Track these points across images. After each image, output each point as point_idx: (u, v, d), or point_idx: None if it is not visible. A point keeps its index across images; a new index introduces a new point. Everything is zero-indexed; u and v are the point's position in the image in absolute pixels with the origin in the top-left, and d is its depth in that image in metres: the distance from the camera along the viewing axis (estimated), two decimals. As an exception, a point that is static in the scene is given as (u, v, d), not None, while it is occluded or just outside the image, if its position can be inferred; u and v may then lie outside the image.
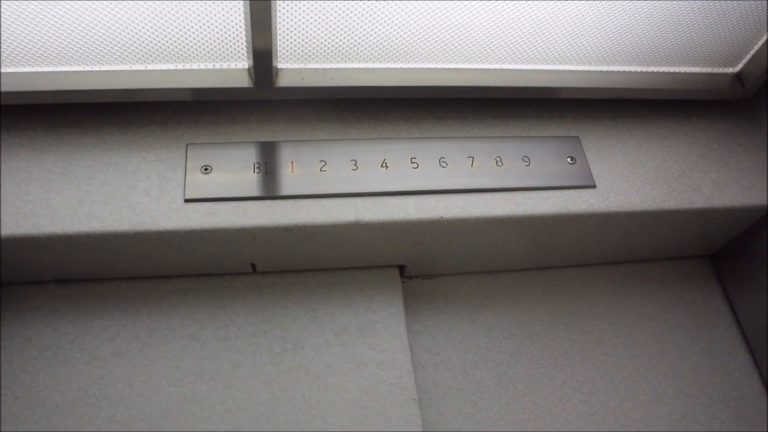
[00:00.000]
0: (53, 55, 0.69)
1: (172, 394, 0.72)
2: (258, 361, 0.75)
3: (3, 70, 0.69)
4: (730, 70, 0.87)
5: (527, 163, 0.79)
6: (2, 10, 0.63)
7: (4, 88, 0.69)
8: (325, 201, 0.72)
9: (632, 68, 0.84)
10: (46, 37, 0.67)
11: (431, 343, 0.83)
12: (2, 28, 0.65)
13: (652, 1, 0.74)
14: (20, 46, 0.67)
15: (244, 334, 0.76)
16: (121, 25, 0.67)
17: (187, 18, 0.67)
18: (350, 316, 0.79)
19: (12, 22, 0.65)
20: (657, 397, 0.84)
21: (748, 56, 0.85)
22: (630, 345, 0.87)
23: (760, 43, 0.82)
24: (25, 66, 0.70)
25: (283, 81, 0.73)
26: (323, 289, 0.81)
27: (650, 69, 0.84)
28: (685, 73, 0.86)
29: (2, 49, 0.67)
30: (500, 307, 0.87)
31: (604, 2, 0.74)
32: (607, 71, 0.83)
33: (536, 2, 0.72)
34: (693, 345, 0.89)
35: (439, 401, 0.79)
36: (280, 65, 0.73)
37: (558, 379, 0.83)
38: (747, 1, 0.76)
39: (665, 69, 0.85)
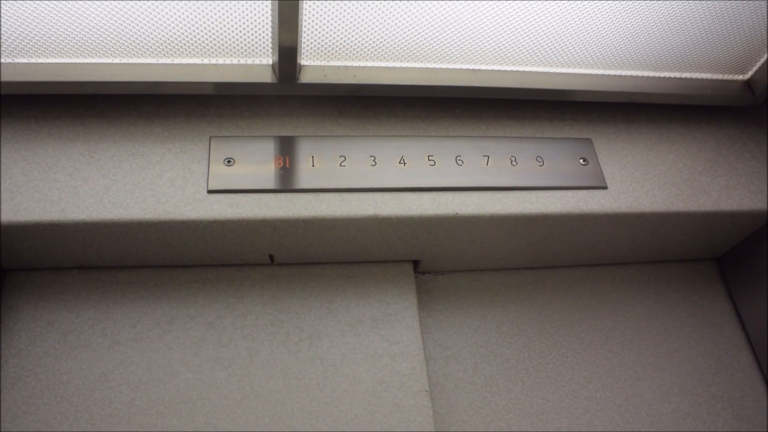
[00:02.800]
0: (82, 46, 0.71)
1: (190, 380, 0.73)
2: (275, 349, 0.76)
3: (33, 61, 0.71)
4: (740, 77, 0.89)
5: (541, 163, 0.81)
6: (33, 2, 0.65)
7: (33, 78, 0.71)
8: (344, 195, 0.74)
9: (644, 73, 0.86)
10: (76, 30, 0.69)
11: (443, 337, 0.85)
12: (34, 20, 0.67)
13: (666, 6, 0.76)
14: (51, 38, 0.69)
15: (261, 323, 0.78)
16: (149, 19, 0.69)
17: (213, 14, 0.69)
18: (365, 309, 0.81)
19: (44, 14, 0.66)
20: (661, 396, 0.86)
21: (758, 64, 0.86)
22: (636, 344, 0.89)
23: (770, 51, 0.84)
24: (54, 57, 0.72)
25: (306, 77, 0.75)
26: (339, 281, 0.83)
27: (662, 74, 0.86)
28: (696, 79, 0.88)
29: (33, 41, 0.69)
30: (510, 304, 0.89)
31: (617, 7, 0.75)
32: (619, 75, 0.85)
33: (552, 7, 0.74)
34: (698, 345, 0.91)
35: (449, 393, 0.81)
36: (303, 62, 0.75)
37: (565, 375, 0.85)
38: (757, 11, 0.78)
39: (677, 75, 0.87)
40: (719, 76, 0.88)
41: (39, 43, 0.70)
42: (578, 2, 0.74)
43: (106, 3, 0.66)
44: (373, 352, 0.78)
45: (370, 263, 0.84)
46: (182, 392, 0.73)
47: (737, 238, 0.92)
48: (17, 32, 0.68)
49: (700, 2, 0.76)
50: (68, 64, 0.72)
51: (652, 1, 0.75)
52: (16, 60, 0.71)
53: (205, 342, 0.76)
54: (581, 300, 0.91)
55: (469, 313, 0.87)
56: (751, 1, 0.77)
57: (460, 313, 0.87)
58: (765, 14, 0.79)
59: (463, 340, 0.85)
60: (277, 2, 0.65)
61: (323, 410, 0.73)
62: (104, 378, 0.72)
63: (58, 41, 0.70)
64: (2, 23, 0.66)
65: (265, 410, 0.73)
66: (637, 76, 0.86)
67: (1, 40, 0.68)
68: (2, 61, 0.70)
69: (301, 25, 0.70)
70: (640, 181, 0.82)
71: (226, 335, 0.77)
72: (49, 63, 0.72)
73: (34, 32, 0.68)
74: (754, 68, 0.87)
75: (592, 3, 0.74)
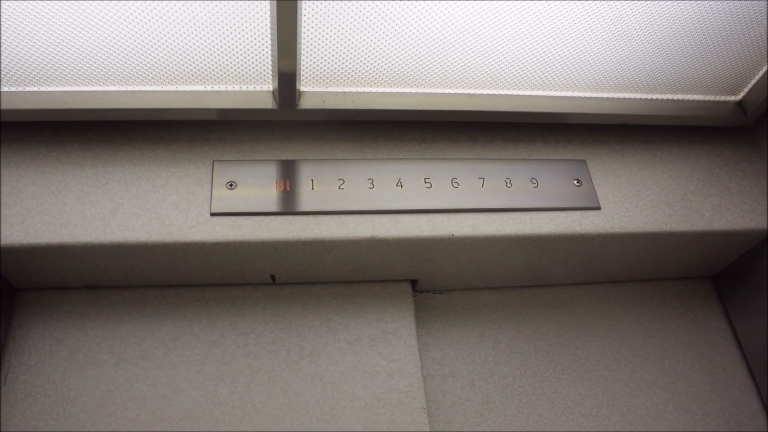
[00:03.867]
0: (90, 75, 0.73)
1: (194, 397, 0.75)
2: (276, 367, 0.78)
3: (42, 89, 0.74)
4: (732, 98, 0.91)
5: (535, 185, 0.83)
6: (44, 34, 0.68)
7: (43, 106, 0.74)
8: (342, 217, 0.76)
9: (637, 95, 0.88)
10: (84, 59, 0.71)
11: (440, 355, 0.86)
12: (43, 50, 0.70)
13: (658, 30, 0.78)
14: (60, 67, 0.72)
15: (262, 342, 0.80)
16: (154, 49, 0.72)
17: (216, 42, 0.72)
18: (364, 327, 0.83)
19: (52, 44, 0.69)
20: (657, 413, 0.87)
21: (750, 85, 0.88)
22: (631, 361, 0.90)
23: (761, 72, 0.85)
24: (63, 85, 0.74)
25: (306, 103, 0.77)
26: (339, 300, 0.85)
27: (655, 96, 0.88)
28: (688, 101, 0.89)
29: (42, 69, 0.72)
30: (507, 322, 0.91)
31: (609, 31, 0.77)
32: (613, 98, 0.87)
33: (545, 32, 0.76)
34: (693, 363, 0.92)
35: (447, 411, 0.82)
36: (303, 88, 0.78)
37: (561, 392, 0.86)
38: (748, 33, 0.80)
39: (669, 96, 0.89)
40: (711, 98, 0.90)
41: (48, 72, 0.72)
42: (571, 26, 0.76)
43: (110, 33, 0.69)
44: (371, 370, 0.79)
45: (369, 282, 0.86)
46: (186, 408, 0.74)
47: (732, 256, 0.93)
48: (28, 61, 0.70)
49: (692, 25, 0.78)
50: (76, 92, 0.75)
51: (644, 25, 0.77)
52: (27, 88, 0.73)
53: (208, 359, 0.78)
54: (577, 318, 0.93)
55: (466, 331, 0.89)
56: (742, 24, 0.79)
57: (457, 331, 0.89)
58: (756, 36, 0.80)
59: (460, 358, 0.86)
60: (276, 30, 0.67)
61: (322, 426, 0.75)
62: (111, 394, 0.74)
63: (66, 70, 0.72)
64: (14, 52, 0.69)
65: (266, 426, 0.74)
66: (630, 99, 0.88)
67: (13, 69, 0.71)
68: (13, 89, 0.73)
69: (300, 53, 0.72)
70: (634, 201, 0.84)
71: (229, 353, 0.79)
72: (57, 91, 0.74)
73: (43, 61, 0.71)
74: (746, 89, 0.89)
75: (585, 26, 0.76)
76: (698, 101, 0.90)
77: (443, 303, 0.91)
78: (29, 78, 0.73)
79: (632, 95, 0.87)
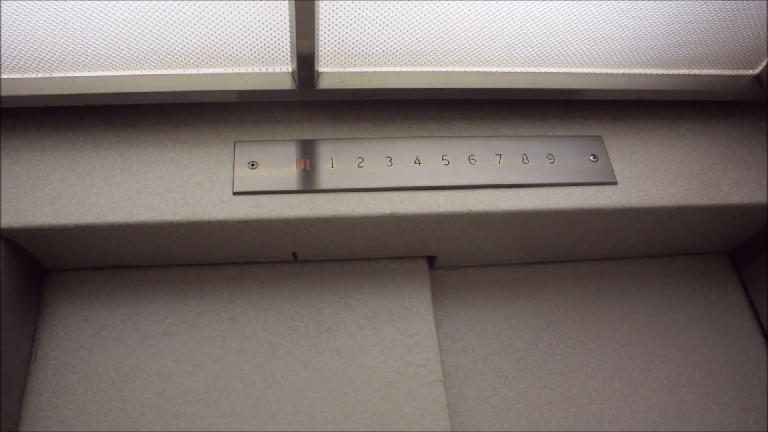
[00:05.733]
0: (113, 60, 0.75)
1: (216, 372, 0.78)
2: (295, 342, 0.80)
3: (67, 75, 0.76)
4: (750, 72, 0.90)
5: (552, 161, 0.83)
6: (69, 20, 0.70)
7: (70, 91, 0.76)
8: (362, 195, 0.78)
9: (653, 71, 0.88)
10: (109, 45, 0.73)
11: (454, 330, 0.88)
12: (69, 37, 0.71)
13: (674, 4, 0.78)
14: (86, 53, 0.74)
15: (282, 318, 0.82)
16: (176, 33, 0.73)
17: (235, 26, 0.73)
18: (382, 303, 0.84)
19: (77, 30, 0.71)
20: (670, 386, 0.87)
21: (767, 59, 0.88)
22: (645, 336, 0.91)
23: (779, 46, 0.85)
24: (88, 71, 0.76)
25: (324, 83, 0.79)
26: (357, 277, 0.86)
27: (671, 71, 0.88)
28: (705, 75, 0.89)
29: (67, 56, 0.74)
30: (519, 298, 0.92)
31: (625, 6, 0.77)
32: (629, 74, 0.87)
33: (560, 8, 0.76)
34: (710, 338, 0.92)
35: (460, 384, 0.84)
36: (321, 69, 0.79)
37: (572, 366, 0.87)
38: (766, 6, 0.80)
39: (686, 71, 0.88)
40: (728, 72, 0.90)
41: (73, 58, 0.74)
42: (586, 3, 0.76)
43: (136, 19, 0.71)
44: (389, 344, 0.81)
45: (387, 259, 0.88)
46: (209, 383, 0.77)
47: (750, 231, 0.93)
48: (53, 48, 0.72)
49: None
50: (101, 77, 0.77)
51: (660, 0, 0.77)
52: (53, 74, 0.76)
53: (229, 336, 0.80)
54: (590, 293, 0.94)
55: (479, 307, 0.90)
56: (758, -1, 0.79)
57: (471, 306, 0.90)
58: (773, 9, 0.80)
59: (474, 333, 0.88)
60: (294, 12, 0.68)
61: (342, 399, 0.77)
62: (136, 370, 0.77)
63: (92, 56, 0.74)
64: (40, 39, 0.71)
65: (286, 399, 0.76)
66: (646, 74, 0.88)
67: (39, 55, 0.73)
68: (40, 75, 0.75)
69: (318, 34, 0.73)
70: (650, 176, 0.84)
71: (249, 329, 0.81)
72: (83, 76, 0.76)
73: (68, 47, 0.73)
74: (763, 63, 0.88)
75: (601, 3, 0.77)
76: (715, 76, 0.89)
77: (457, 279, 0.92)
78: (55, 64, 0.74)
79: (648, 71, 0.88)
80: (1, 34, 0.70)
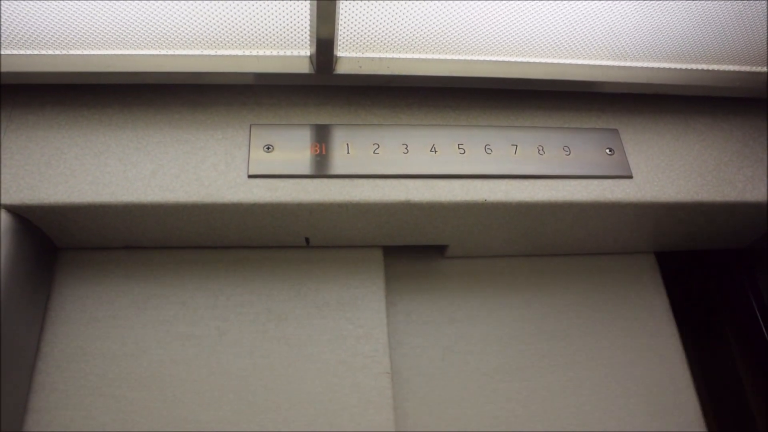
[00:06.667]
0: (132, 39, 0.75)
1: (161, 356, 0.78)
2: (244, 329, 0.81)
3: (84, 52, 0.76)
4: (767, 69, 0.90)
5: (568, 153, 0.83)
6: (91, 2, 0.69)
7: (86, 69, 0.75)
8: (377, 181, 0.77)
9: (671, 65, 0.87)
10: (126, 23, 0.73)
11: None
12: (85, 13, 0.71)
13: (691, 1, 0.78)
14: (103, 31, 0.73)
15: (231, 304, 0.82)
16: (195, 14, 0.72)
17: (254, 8, 0.72)
18: (333, 292, 0.85)
19: (95, 7, 0.70)
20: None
21: (786, 56, 0.87)
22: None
23: (798, 43, 0.85)
24: (106, 49, 0.76)
25: (342, 68, 0.78)
26: (309, 265, 0.86)
27: (688, 66, 0.88)
28: (721, 71, 0.89)
29: (84, 32, 0.73)
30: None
31: (645, 1, 0.77)
32: (646, 67, 0.87)
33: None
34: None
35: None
36: (339, 54, 0.79)
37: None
38: (786, 3, 0.79)
39: (703, 66, 0.88)
40: (745, 68, 0.89)
41: (92, 36, 0.74)
42: (606, -4, 0.76)
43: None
44: (338, 334, 0.81)
45: (341, 248, 0.88)
46: (155, 368, 0.77)
47: (763, 228, 0.93)
48: (71, 25, 0.72)
49: (727, -5, 0.78)
50: (119, 55, 0.76)
51: (679, -5, 0.77)
52: (71, 52, 0.75)
53: (177, 320, 0.80)
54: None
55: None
56: (778, -6, 0.78)
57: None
58: (792, 6, 0.80)
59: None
60: (316, -4, 0.68)
61: (284, 388, 0.77)
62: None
63: (110, 34, 0.74)
64: (58, 16, 0.71)
65: (228, 386, 0.77)
66: (663, 68, 0.87)
67: (57, 32, 0.73)
68: (57, 52, 0.75)
69: (338, 19, 0.73)
70: (666, 171, 0.84)
71: (198, 314, 0.81)
72: (101, 54, 0.76)
73: (87, 26, 0.72)
74: (782, 60, 0.88)
75: (620, -4, 0.76)
76: (733, 72, 0.89)
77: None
78: (72, 41, 0.74)
79: (666, 65, 0.87)
80: (17, 10, 0.69)
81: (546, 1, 0.75)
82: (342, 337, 0.80)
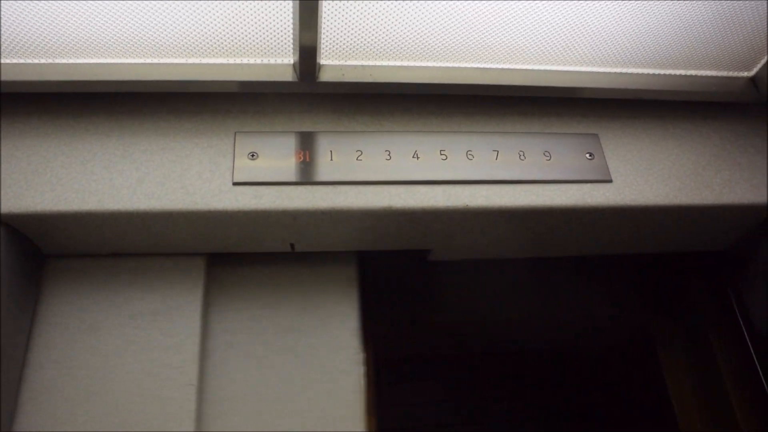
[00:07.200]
0: (116, 48, 0.76)
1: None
2: (56, 340, 0.78)
3: (70, 61, 0.76)
4: (745, 74, 0.91)
5: (548, 158, 0.84)
6: (72, 6, 0.70)
7: (72, 78, 0.76)
8: (360, 187, 0.79)
9: (650, 71, 0.89)
10: (110, 32, 0.73)
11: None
12: (70, 21, 0.72)
13: (672, 5, 0.79)
14: (88, 40, 0.74)
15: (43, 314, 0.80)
16: (178, 22, 0.73)
17: (238, 16, 0.74)
18: (148, 302, 0.81)
19: (80, 17, 0.71)
20: None
21: (763, 61, 0.88)
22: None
23: (775, 49, 0.86)
24: (91, 58, 0.76)
25: (325, 76, 0.79)
26: (126, 275, 0.83)
27: (668, 72, 0.89)
28: (701, 76, 0.90)
29: (70, 41, 0.74)
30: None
31: (623, 6, 0.78)
32: (626, 73, 0.88)
33: (559, 7, 0.77)
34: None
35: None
36: (322, 61, 0.80)
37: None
38: (762, 9, 0.81)
39: (682, 72, 0.90)
40: (724, 73, 0.91)
41: (77, 45, 0.75)
42: (585, 2, 0.77)
43: (140, 7, 0.71)
44: (148, 345, 0.78)
45: (162, 256, 0.84)
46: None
47: (741, 231, 0.95)
48: (56, 34, 0.73)
49: (706, 1, 0.79)
50: (104, 64, 0.77)
51: (658, 1, 0.78)
52: (56, 60, 0.76)
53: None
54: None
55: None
56: (755, 0, 0.79)
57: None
58: (769, 12, 0.81)
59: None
60: (298, 4, 0.69)
61: (89, 400, 0.75)
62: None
63: (95, 43, 0.74)
64: (42, 25, 0.71)
65: (29, 399, 0.74)
66: (643, 74, 0.89)
67: (41, 41, 0.73)
68: (42, 61, 0.76)
69: (320, 27, 0.74)
70: (645, 175, 0.85)
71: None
72: (87, 63, 0.76)
73: (73, 35, 0.73)
74: (759, 65, 0.89)
75: (599, 3, 0.77)
76: (711, 77, 0.91)
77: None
78: (58, 50, 0.75)
79: (646, 70, 0.89)
80: (3, 18, 0.70)
81: (527, 7, 0.77)
82: (151, 348, 0.78)
